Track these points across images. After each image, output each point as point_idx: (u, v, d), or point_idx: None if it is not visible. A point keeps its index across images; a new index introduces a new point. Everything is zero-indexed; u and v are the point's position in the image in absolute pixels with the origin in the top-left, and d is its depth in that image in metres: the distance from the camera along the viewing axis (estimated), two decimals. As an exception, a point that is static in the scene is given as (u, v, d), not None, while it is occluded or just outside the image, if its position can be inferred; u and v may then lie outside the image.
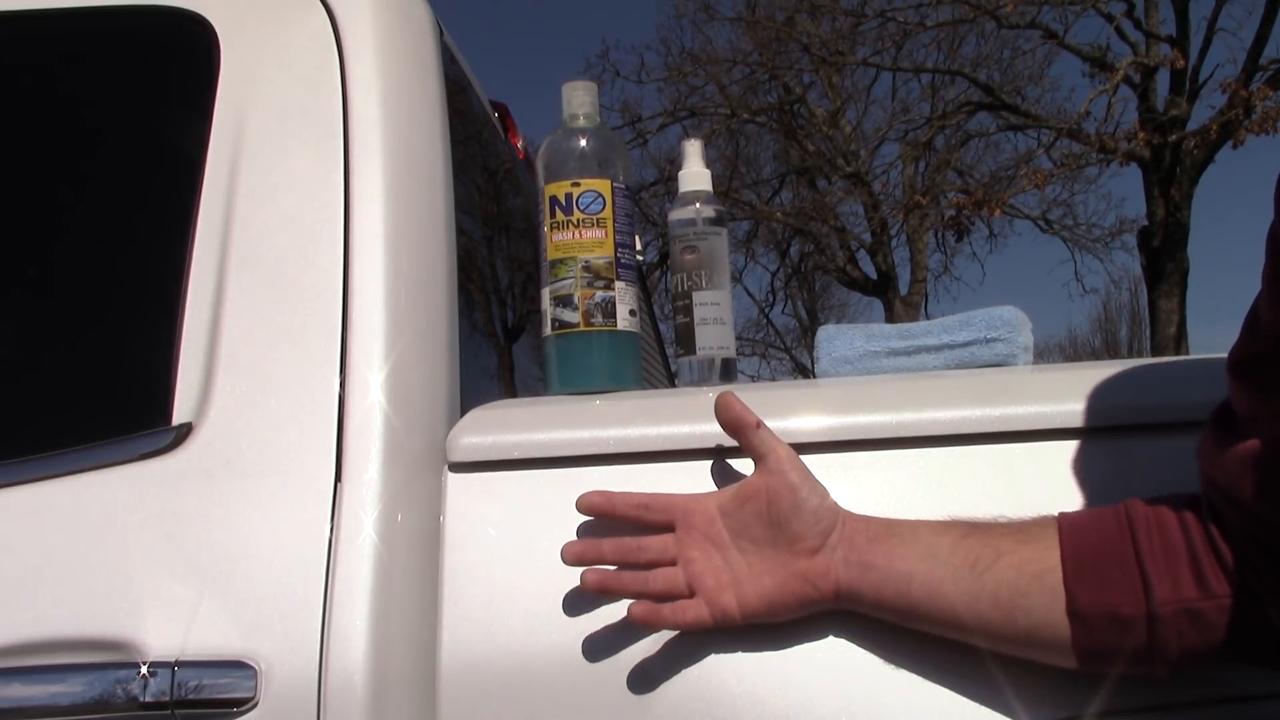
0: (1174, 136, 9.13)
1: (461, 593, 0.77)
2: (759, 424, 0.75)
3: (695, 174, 1.01)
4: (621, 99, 13.83)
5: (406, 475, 0.79)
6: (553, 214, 0.92)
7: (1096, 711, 0.69)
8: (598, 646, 0.75)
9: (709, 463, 0.80)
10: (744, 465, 0.78)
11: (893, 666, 0.72)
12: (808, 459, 0.75)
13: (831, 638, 0.74)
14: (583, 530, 0.77)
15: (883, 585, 0.70)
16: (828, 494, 0.73)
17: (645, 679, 0.74)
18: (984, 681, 0.71)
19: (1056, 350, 19.38)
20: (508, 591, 0.77)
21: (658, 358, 2.11)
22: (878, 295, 13.08)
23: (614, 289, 0.91)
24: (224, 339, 0.83)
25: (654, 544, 0.75)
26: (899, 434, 0.79)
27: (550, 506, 0.79)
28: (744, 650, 0.74)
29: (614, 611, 0.75)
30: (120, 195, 0.94)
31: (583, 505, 0.75)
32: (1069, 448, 0.77)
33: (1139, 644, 0.64)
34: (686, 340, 0.97)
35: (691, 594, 0.73)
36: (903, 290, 12.77)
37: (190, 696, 0.72)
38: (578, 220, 0.91)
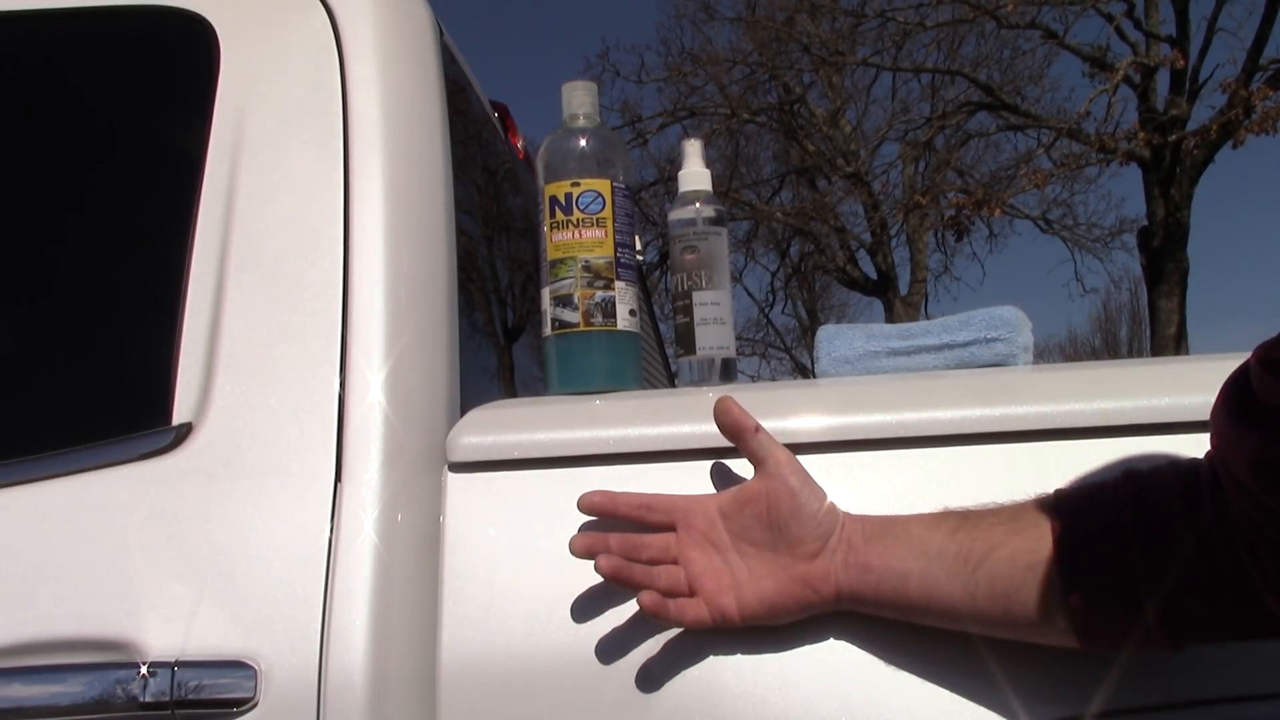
0: (1174, 136, 9.13)
1: (461, 593, 0.77)
2: (757, 428, 0.75)
3: (695, 174, 1.01)
4: (621, 99, 13.84)
5: (406, 475, 0.79)
6: (553, 214, 0.92)
7: (1096, 711, 0.69)
8: (597, 647, 0.75)
9: (709, 463, 0.80)
10: (744, 466, 0.78)
11: (893, 666, 0.72)
12: (808, 459, 0.76)
13: (831, 638, 0.74)
14: (585, 528, 0.77)
15: (880, 586, 0.70)
16: (827, 497, 0.73)
17: (645, 679, 0.74)
18: (984, 681, 0.71)
19: (1056, 350, 19.38)
20: (508, 591, 0.77)
21: (658, 358, 2.11)
22: (878, 295, 13.08)
23: (614, 289, 0.91)
24: (224, 339, 0.83)
25: (656, 541, 0.75)
26: (899, 434, 0.79)
27: (550, 506, 0.79)
28: (744, 650, 0.74)
29: (614, 612, 0.75)
30: (120, 195, 0.94)
31: (584, 505, 0.75)
32: (1069, 448, 0.77)
33: (1140, 626, 0.64)
34: (686, 340, 0.97)
35: (692, 594, 0.73)
36: (903, 290, 12.77)
37: (190, 696, 0.72)
38: (577, 220, 0.91)
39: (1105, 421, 0.78)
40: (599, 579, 0.74)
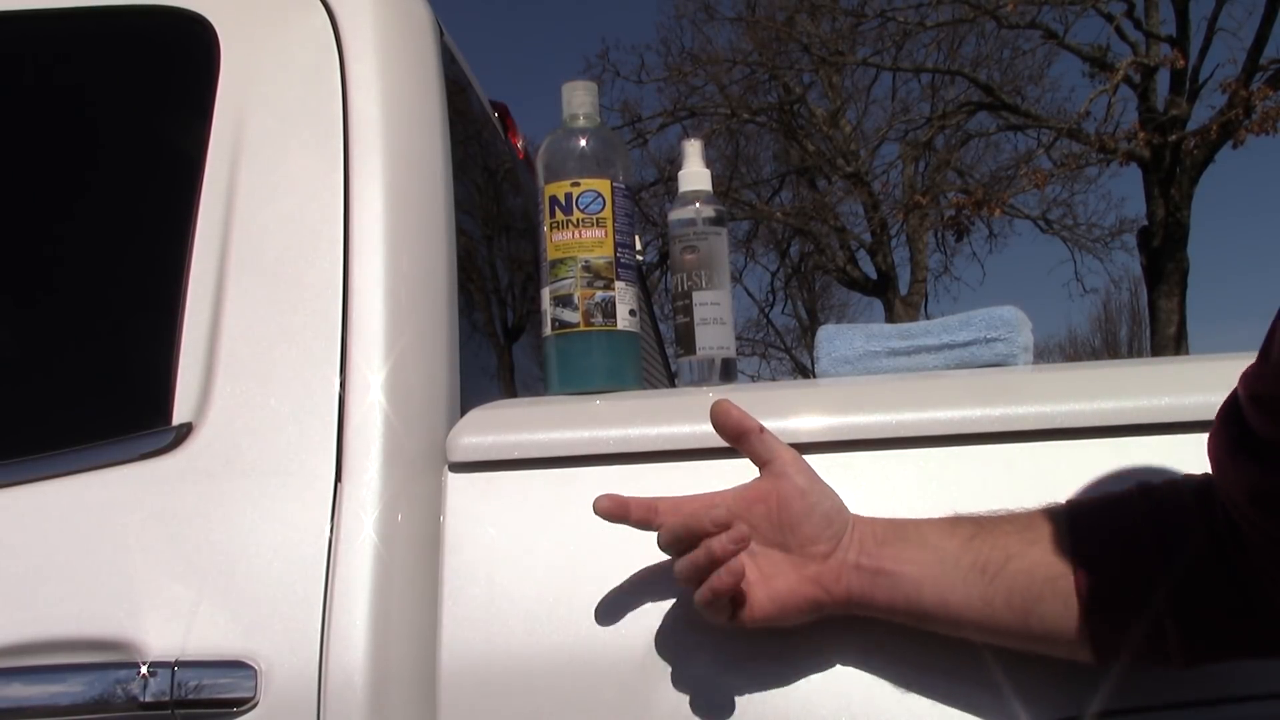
0: (1174, 136, 9.13)
1: (461, 593, 0.77)
2: (761, 429, 0.73)
3: (695, 174, 1.01)
4: (621, 99, 13.81)
5: (406, 475, 0.79)
6: (552, 214, 0.92)
7: (1096, 711, 0.69)
8: (597, 647, 0.75)
9: (709, 463, 0.80)
10: (745, 465, 0.77)
11: (893, 667, 0.72)
12: (808, 459, 0.75)
13: (832, 638, 0.73)
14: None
15: (894, 591, 0.69)
16: (837, 496, 0.73)
17: (645, 679, 0.74)
18: (984, 681, 0.71)
19: (1056, 350, 19.37)
20: (508, 591, 0.76)
21: (658, 358, 2.11)
22: (878, 295, 13.08)
23: (614, 289, 0.91)
24: (224, 339, 0.83)
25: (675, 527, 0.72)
26: (899, 434, 0.79)
27: (550, 506, 0.79)
28: (744, 650, 0.74)
29: (614, 612, 0.75)
30: (120, 195, 0.94)
31: (595, 511, 0.73)
32: (1069, 448, 0.77)
33: (1156, 643, 0.64)
34: (686, 340, 0.97)
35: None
36: (903, 290, 12.77)
37: (190, 696, 0.72)
38: (577, 220, 0.91)
39: (1105, 421, 0.78)
40: (599, 579, 0.73)
